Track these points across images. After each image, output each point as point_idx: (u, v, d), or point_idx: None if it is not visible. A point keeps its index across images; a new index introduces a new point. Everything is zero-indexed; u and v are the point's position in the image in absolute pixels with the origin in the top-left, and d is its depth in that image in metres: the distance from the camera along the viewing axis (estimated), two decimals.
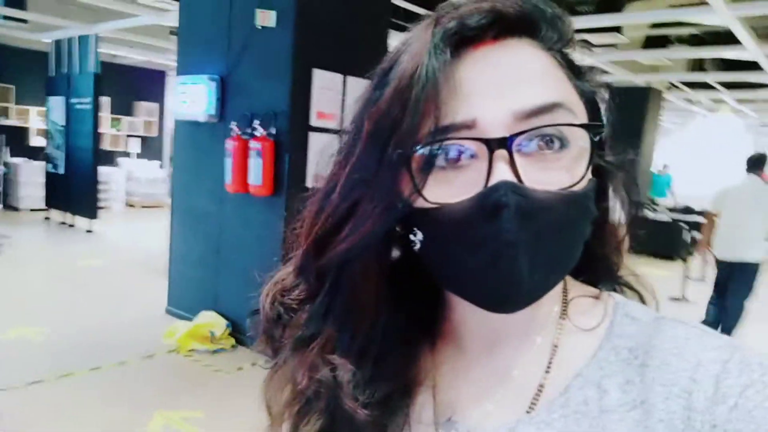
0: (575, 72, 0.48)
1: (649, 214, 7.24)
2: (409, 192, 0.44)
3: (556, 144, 0.43)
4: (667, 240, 7.39)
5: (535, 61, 0.45)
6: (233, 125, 4.17)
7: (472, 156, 0.43)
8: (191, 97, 4.45)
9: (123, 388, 3.53)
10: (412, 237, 0.46)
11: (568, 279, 0.53)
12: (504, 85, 0.43)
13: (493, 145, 0.41)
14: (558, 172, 0.43)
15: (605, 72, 8.39)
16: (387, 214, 0.45)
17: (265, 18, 3.99)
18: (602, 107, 0.50)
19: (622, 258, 0.55)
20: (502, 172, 0.41)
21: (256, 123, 4.04)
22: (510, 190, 0.41)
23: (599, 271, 0.54)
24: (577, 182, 0.43)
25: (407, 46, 0.46)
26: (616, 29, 6.52)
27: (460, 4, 0.45)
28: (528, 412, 0.48)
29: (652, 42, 7.66)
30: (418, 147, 0.43)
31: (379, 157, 0.45)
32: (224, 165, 4.18)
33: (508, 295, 0.44)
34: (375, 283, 0.49)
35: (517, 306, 0.45)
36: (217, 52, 4.38)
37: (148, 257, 6.75)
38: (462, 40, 0.44)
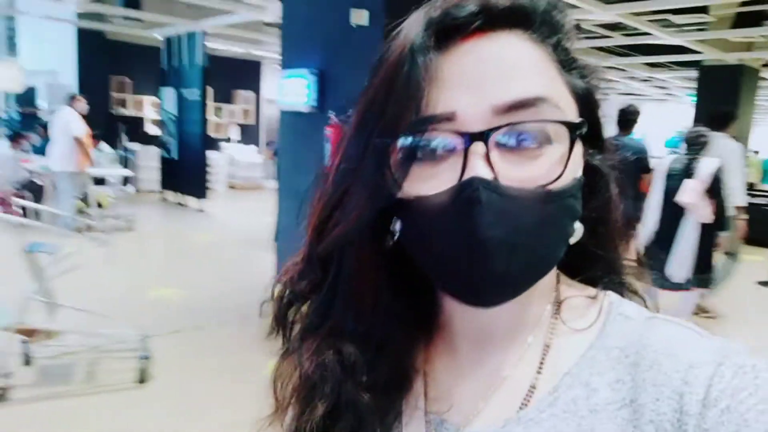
0: (568, 66, 0.46)
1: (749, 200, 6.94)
2: (389, 182, 0.44)
3: (537, 140, 0.42)
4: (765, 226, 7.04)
5: (521, 54, 0.43)
6: (332, 114, 4.68)
7: (451, 149, 0.42)
8: (294, 90, 5.00)
9: (244, 339, 4.19)
10: (392, 226, 0.47)
11: (563, 278, 0.52)
12: (485, 79, 0.42)
13: (469, 139, 0.41)
14: (537, 169, 0.42)
15: (696, 52, 8.21)
16: (372, 203, 0.45)
17: (359, 17, 4.45)
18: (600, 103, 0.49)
19: (622, 258, 0.54)
20: (477, 167, 0.41)
21: (351, 112, 4.51)
22: (483, 186, 0.40)
23: (597, 270, 0.53)
24: (554, 180, 0.42)
25: (399, 34, 0.45)
26: (702, 9, 6.46)
27: None
28: (519, 411, 0.47)
29: (745, 19, 7.45)
30: (398, 137, 0.43)
31: (364, 146, 0.45)
32: (324, 150, 4.72)
33: (481, 289, 0.43)
34: (372, 269, 0.49)
35: (492, 301, 0.44)
36: (316, 48, 4.90)
37: (252, 233, 7.58)
38: (448, 30, 0.43)
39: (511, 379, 0.49)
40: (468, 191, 0.41)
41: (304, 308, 0.54)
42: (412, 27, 0.44)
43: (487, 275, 0.42)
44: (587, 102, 0.47)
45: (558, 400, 0.46)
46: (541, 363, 0.48)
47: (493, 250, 0.41)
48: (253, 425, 0.54)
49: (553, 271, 0.50)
